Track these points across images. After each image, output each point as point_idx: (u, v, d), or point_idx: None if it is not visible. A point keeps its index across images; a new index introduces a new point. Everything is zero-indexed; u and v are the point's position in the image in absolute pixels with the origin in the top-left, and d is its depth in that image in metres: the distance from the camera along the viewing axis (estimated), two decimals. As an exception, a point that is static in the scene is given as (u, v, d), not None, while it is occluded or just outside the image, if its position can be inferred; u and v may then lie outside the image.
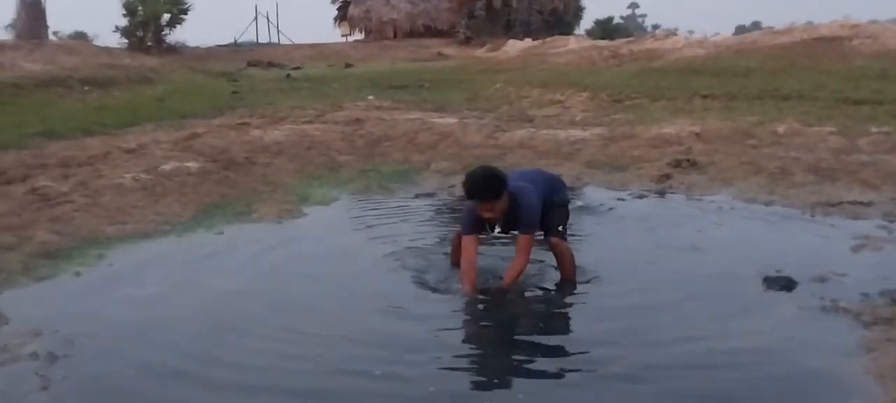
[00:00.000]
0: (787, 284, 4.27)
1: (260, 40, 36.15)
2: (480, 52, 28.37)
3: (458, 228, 4.66)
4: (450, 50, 30.95)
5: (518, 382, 3.27)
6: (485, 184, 4.20)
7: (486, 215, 4.23)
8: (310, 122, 12.21)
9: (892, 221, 5.76)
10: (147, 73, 19.28)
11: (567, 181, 7.65)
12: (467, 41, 31.57)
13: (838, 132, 9.48)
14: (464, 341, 3.77)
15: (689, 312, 3.99)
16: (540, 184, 4.55)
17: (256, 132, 10.95)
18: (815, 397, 3.00)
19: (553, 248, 4.49)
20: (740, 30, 71.44)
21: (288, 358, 3.49)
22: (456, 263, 4.65)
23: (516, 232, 4.38)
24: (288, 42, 36.16)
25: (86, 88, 15.55)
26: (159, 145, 9.56)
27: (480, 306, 4.16)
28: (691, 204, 6.66)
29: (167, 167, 7.91)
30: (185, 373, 3.40)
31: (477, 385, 3.27)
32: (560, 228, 4.51)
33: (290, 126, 11.65)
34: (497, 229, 4.41)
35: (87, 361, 3.47)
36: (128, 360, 3.52)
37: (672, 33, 26.32)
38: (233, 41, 34.52)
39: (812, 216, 6.05)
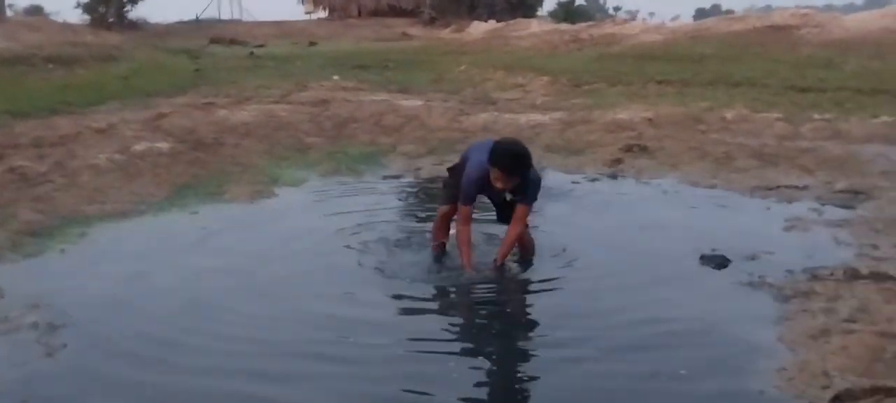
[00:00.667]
0: (720, 262, 4.72)
1: (222, 17, 36.03)
2: (445, 34, 28.64)
3: (440, 206, 4.92)
4: (414, 30, 31.17)
5: (471, 364, 3.57)
6: (525, 161, 4.40)
7: (500, 186, 4.39)
8: (276, 103, 12.42)
9: (823, 204, 6.24)
10: (110, 51, 19.26)
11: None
12: (432, 21, 31.83)
13: (784, 118, 10.00)
14: (421, 323, 4.05)
15: (628, 286, 4.41)
16: None
17: (223, 112, 11.13)
18: (734, 361, 3.41)
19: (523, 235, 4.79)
20: (700, 13, 72.57)
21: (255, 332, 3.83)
22: (437, 239, 4.91)
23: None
24: (251, 19, 36.08)
25: (49, 66, 15.54)
26: (128, 125, 9.74)
27: (440, 289, 4.49)
28: (639, 188, 7.10)
29: (139, 148, 8.15)
30: (172, 342, 3.73)
31: (431, 370, 3.47)
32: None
33: (256, 106, 11.85)
34: (507, 196, 4.57)
35: (83, 331, 3.78)
36: (120, 331, 3.84)
37: (632, 17, 26.89)
38: (195, 17, 34.31)
39: (750, 199, 6.52)
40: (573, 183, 7.34)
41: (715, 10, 71.36)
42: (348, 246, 5.20)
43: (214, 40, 27.37)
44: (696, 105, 11.16)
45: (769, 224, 5.69)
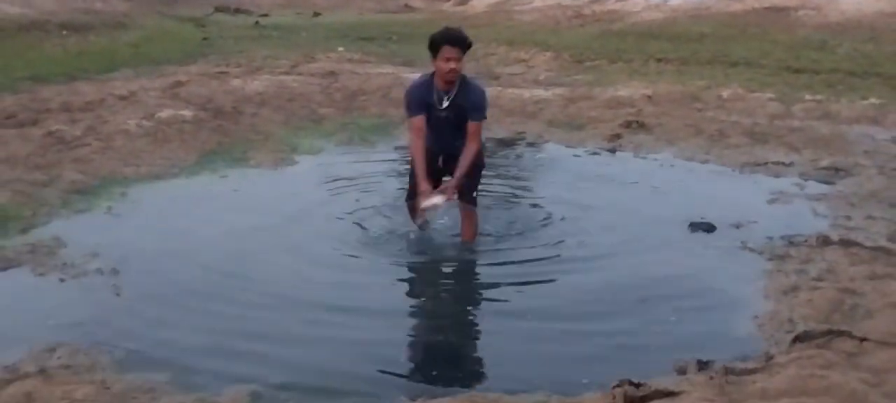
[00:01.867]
0: (708, 228, 5.23)
1: (226, -15, 36.03)
2: (448, 6, 28.91)
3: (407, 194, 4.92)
4: (417, 2, 31.41)
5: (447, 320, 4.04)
6: (464, 34, 4.46)
7: (452, 65, 4.36)
8: (286, 73, 12.82)
9: (806, 180, 6.73)
10: (119, 18, 19.64)
11: (531, 137, 8.68)
12: (435, -6, 32.00)
13: (777, 98, 10.44)
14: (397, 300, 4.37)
15: (625, 247, 4.93)
16: None
17: (237, 82, 11.54)
18: (716, 310, 3.94)
19: (471, 214, 4.89)
20: (702, -10, 72.64)
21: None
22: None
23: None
24: (255, -12, 36.12)
25: (64, 33, 15.95)
26: (148, 92, 10.18)
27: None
28: (637, 161, 7.58)
29: (164, 115, 8.60)
30: (216, 286, 4.28)
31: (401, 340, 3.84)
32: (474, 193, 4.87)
33: (268, 76, 12.25)
34: (445, 103, 4.50)
35: (142, 276, 4.31)
36: (172, 279, 4.37)
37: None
38: (200, -15, 34.39)
39: (740, 173, 7.01)
40: (574, 156, 7.83)
41: (716, -12, 71.45)
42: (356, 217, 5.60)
43: (219, 9, 27.63)
44: (694, 83, 11.58)
45: (755, 196, 6.19)
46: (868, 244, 4.80)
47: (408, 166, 4.93)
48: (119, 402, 2.90)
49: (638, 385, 2.84)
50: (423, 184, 4.47)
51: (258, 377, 3.18)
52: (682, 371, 3.10)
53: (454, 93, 4.51)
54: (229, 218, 5.50)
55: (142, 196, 6.01)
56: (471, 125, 4.56)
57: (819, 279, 4.22)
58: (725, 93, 10.78)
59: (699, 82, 11.68)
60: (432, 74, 4.55)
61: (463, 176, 4.57)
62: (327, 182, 6.67)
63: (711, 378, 2.96)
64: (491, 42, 17.82)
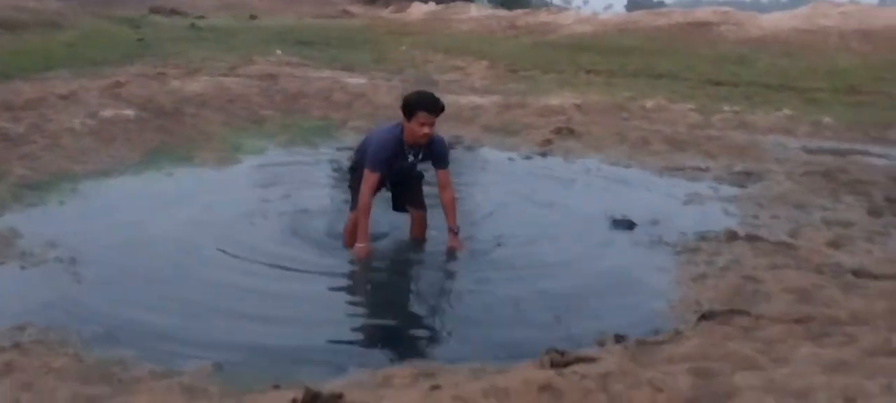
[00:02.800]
0: (628, 225, 5.70)
1: (161, -13, 35.65)
2: (385, 13, 29.30)
3: (351, 212, 5.00)
4: (355, 8, 31.69)
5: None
6: (441, 101, 4.68)
7: (426, 130, 4.55)
8: (225, 75, 12.94)
9: (719, 183, 7.29)
10: (53, 17, 19.42)
11: (468, 142, 9.08)
12: (372, 0, 32.33)
13: (697, 109, 11.11)
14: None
15: (552, 241, 5.35)
16: None
17: (176, 83, 11.64)
18: (635, 298, 4.37)
19: (422, 216, 5.13)
20: (632, 3, 74.58)
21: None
22: (350, 244, 4.94)
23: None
24: (190, -10, 35.83)
25: (-2, 31, 15.73)
26: (88, 92, 10.22)
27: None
28: (566, 165, 8.05)
29: (107, 114, 8.71)
30: (167, 273, 4.53)
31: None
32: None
33: (207, 78, 12.36)
34: (411, 158, 4.75)
35: (101, 265, 4.52)
36: (129, 266, 4.61)
37: (567, 5, 28.02)
38: (134, -14, 33.95)
39: (659, 177, 7.54)
40: (509, 159, 8.25)
41: (646, 1, 73.55)
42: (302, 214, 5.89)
43: (155, 10, 27.42)
44: (621, 94, 12.19)
45: (672, 197, 6.70)
46: (771, 239, 5.33)
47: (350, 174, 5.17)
48: (94, 372, 3.15)
49: (562, 353, 3.24)
50: (363, 240, 4.73)
51: (218, 353, 3.46)
52: (601, 344, 3.51)
53: (421, 149, 4.75)
54: (176, 213, 5.72)
55: (92, 191, 6.19)
56: (441, 174, 4.86)
57: (725, 268, 4.71)
58: (649, 104, 11.40)
59: (625, 93, 12.29)
60: (401, 129, 4.68)
61: (455, 223, 4.91)
62: (273, 180, 6.93)
63: (626, 348, 3.38)
64: (428, 49, 18.25)
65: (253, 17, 27.83)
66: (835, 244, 5.26)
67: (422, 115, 4.55)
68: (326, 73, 13.99)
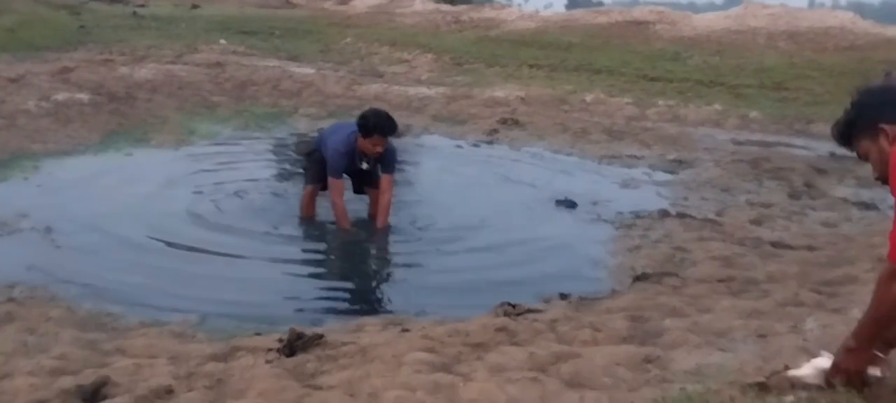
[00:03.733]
0: (570, 205, 6.14)
1: (100, -27, 35.01)
2: (329, 5, 29.26)
3: (305, 186, 5.45)
4: (299, -1, 31.60)
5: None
6: (392, 120, 5.10)
7: (379, 149, 5.01)
8: (172, 63, 13.03)
9: (653, 170, 7.80)
10: (-9, 2, 19.06)
11: (418, 130, 9.43)
12: (316, -8, 32.25)
13: (634, 103, 11.65)
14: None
15: (500, 218, 5.76)
16: None
17: (124, 69, 11.70)
18: (577, 265, 4.80)
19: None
20: (572, 3, 75.83)
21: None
22: (306, 213, 5.41)
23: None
24: (130, -22, 35.28)
25: (-67, 13, 15.43)
26: (37, 77, 10.24)
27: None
28: (511, 152, 8.48)
29: (60, 97, 8.81)
30: (137, 239, 4.83)
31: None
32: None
33: (155, 65, 12.44)
34: (365, 165, 5.18)
35: (76, 234, 4.76)
36: (103, 234, 4.85)
37: (508, 3, 28.55)
38: (71, -28, 33.29)
39: (598, 164, 8.02)
40: (456, 147, 8.64)
41: (585, 1, 74.94)
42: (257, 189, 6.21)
43: (94, -3, 26.92)
44: (562, 88, 12.67)
45: (610, 181, 7.19)
46: (699, 217, 5.83)
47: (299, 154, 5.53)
48: (89, 321, 3.41)
49: (514, 306, 3.63)
50: (347, 227, 5.18)
51: (199, 308, 3.76)
52: (547, 301, 3.91)
53: (373, 157, 5.18)
54: (137, 189, 5.97)
55: (54, 169, 6.37)
56: (384, 178, 5.25)
57: (657, 241, 5.17)
58: (589, 98, 11.91)
59: (567, 87, 12.78)
60: (355, 139, 5.09)
61: (384, 221, 5.26)
62: (232, 160, 7.19)
63: (569, 302, 3.79)
64: (373, 42, 18.48)
65: (195, 6, 27.54)
66: (757, 221, 5.79)
67: (377, 138, 5.00)
68: (273, 63, 14.15)
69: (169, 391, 2.53)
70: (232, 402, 2.45)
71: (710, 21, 19.44)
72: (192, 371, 2.74)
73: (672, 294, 3.87)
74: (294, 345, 2.98)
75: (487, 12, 23.20)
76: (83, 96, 9.00)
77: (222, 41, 17.38)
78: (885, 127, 2.15)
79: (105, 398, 2.51)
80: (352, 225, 5.22)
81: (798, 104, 12.05)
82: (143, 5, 26.10)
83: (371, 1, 28.34)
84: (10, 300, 3.54)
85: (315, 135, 5.82)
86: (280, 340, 3.05)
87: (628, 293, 3.97)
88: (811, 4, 50.80)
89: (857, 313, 3.35)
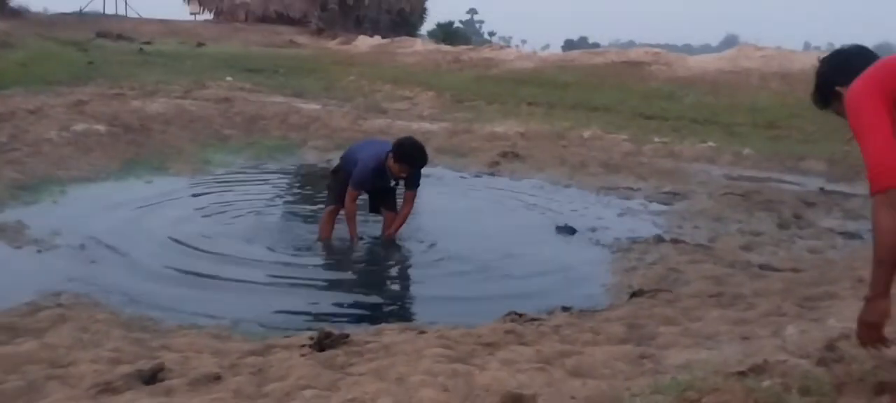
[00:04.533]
0: (570, 231, 6.50)
1: (106, 11, 35.78)
2: (332, 44, 29.89)
3: (327, 206, 5.83)
4: (302, 39, 32.21)
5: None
6: (425, 155, 5.59)
7: (405, 175, 5.51)
8: (182, 97, 13.43)
9: (649, 201, 8.16)
10: (3, 37, 19.53)
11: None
12: (319, 32, 32.96)
13: (630, 139, 12.04)
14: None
15: (505, 242, 6.10)
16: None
17: (136, 103, 12.09)
18: (578, 283, 5.13)
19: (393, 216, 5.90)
20: (568, 44, 77.19)
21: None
22: (324, 236, 5.75)
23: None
24: (135, 15, 36.02)
25: (-54, 47, 15.85)
26: (54, 108, 10.62)
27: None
28: (513, 182, 8.85)
29: (79, 128, 9.17)
30: (161, 258, 5.14)
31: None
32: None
33: (165, 99, 12.83)
34: (393, 183, 5.65)
35: (108, 250, 5.08)
36: (133, 251, 5.18)
37: (506, 43, 29.17)
38: (78, 10, 34.01)
39: (596, 195, 8.38)
40: (461, 177, 9.01)
41: (582, 42, 76.24)
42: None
43: (101, 34, 27.51)
44: (560, 124, 13.07)
45: (608, 211, 7.55)
46: (692, 242, 6.18)
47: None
48: (133, 324, 3.73)
49: (520, 315, 3.95)
50: (354, 234, 5.65)
51: (230, 315, 4.08)
52: (550, 313, 4.23)
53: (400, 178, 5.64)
54: (163, 212, 6.31)
55: (80, 193, 6.73)
56: (408, 193, 5.72)
57: (652, 263, 5.51)
58: (587, 134, 12.30)
59: (564, 123, 13.17)
60: (386, 157, 5.54)
61: (395, 232, 5.75)
62: (246, 186, 7.54)
63: (571, 313, 4.11)
64: (376, 80, 18.94)
65: (200, 44, 28.13)
66: (746, 247, 6.13)
67: (405, 165, 5.48)
68: (280, 99, 14.57)
69: (217, 377, 2.84)
70: (275, 384, 2.77)
71: (704, 62, 19.96)
72: (234, 363, 3.05)
73: (665, 306, 4.20)
74: (324, 343, 3.29)
75: (486, 52, 23.76)
76: (100, 127, 9.36)
77: (228, 78, 17.80)
78: (840, 89, 2.48)
79: (162, 380, 2.82)
80: (358, 237, 5.65)
81: (790, 142, 12.45)
82: (149, 42, 26.66)
83: (373, 41, 28.97)
84: (59, 305, 3.86)
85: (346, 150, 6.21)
86: (310, 339, 3.36)
87: (625, 305, 4.29)
88: (806, 47, 51.66)
89: (834, 321, 3.69)
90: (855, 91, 2.38)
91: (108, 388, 2.68)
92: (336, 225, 5.83)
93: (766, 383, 2.59)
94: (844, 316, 3.64)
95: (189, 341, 3.44)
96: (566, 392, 2.66)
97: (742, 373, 2.69)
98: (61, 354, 3.08)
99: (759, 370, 2.70)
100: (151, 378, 2.82)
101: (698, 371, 2.78)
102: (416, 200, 5.85)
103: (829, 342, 3.15)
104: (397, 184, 5.73)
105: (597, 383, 2.78)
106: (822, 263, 5.60)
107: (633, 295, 4.59)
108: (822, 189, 8.94)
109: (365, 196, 5.87)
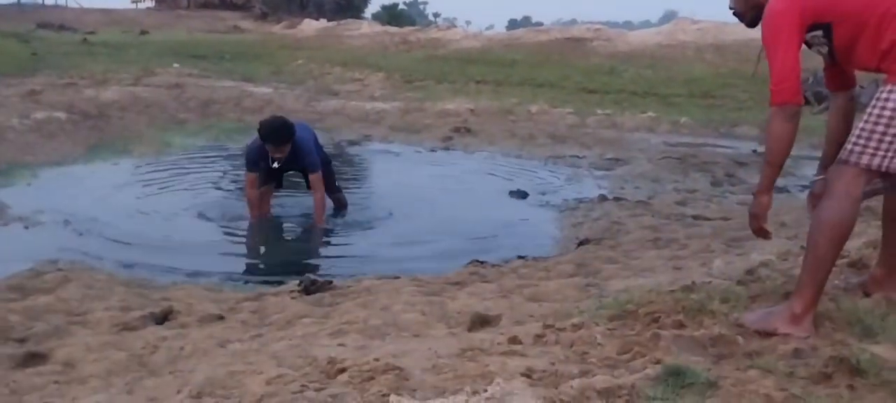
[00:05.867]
0: (522, 195, 6.99)
1: (46, 2, 35.11)
2: (277, 29, 29.87)
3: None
4: (246, 24, 32.08)
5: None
6: (278, 131, 5.37)
7: (276, 155, 5.40)
8: (133, 85, 13.52)
9: (594, 167, 8.70)
10: (-59, 30, 19.23)
11: (378, 139, 10.19)
12: (263, 17, 32.87)
13: (574, 112, 12.61)
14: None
15: (465, 208, 6.57)
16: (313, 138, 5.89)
17: (90, 91, 12.18)
18: (531, 237, 5.60)
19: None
20: (512, 23, 77.85)
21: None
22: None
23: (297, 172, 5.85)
24: (76, 5, 35.43)
25: None
26: (8, 99, 10.68)
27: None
28: (466, 155, 9.32)
29: (39, 116, 9.33)
30: (138, 230, 5.47)
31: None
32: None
33: (117, 87, 12.92)
34: (275, 164, 5.50)
35: (92, 224, 5.38)
36: (115, 225, 5.48)
37: (452, 24, 29.54)
38: (16, 0, 33.31)
39: (544, 163, 8.89)
40: (416, 152, 9.43)
41: (526, 21, 76.93)
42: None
43: (42, 25, 27.11)
44: (508, 100, 13.58)
45: (556, 177, 8.07)
46: (633, 200, 6.72)
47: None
48: (131, 283, 4.08)
49: (482, 263, 4.42)
50: (254, 216, 5.67)
51: (217, 272, 4.46)
52: (507, 261, 4.71)
53: (284, 158, 5.57)
54: (131, 190, 6.63)
55: (51, 176, 6.96)
56: (311, 177, 5.62)
57: (597, 218, 6.03)
58: (534, 109, 12.83)
59: (512, 100, 13.69)
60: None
61: (321, 217, 5.69)
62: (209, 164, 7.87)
63: (526, 260, 4.60)
64: (325, 63, 19.17)
65: (144, 32, 27.90)
66: (682, 202, 6.71)
67: (270, 146, 5.44)
68: (230, 83, 14.74)
69: (220, 317, 3.24)
70: (275, 316, 3.18)
71: (643, 37, 20.68)
72: (233, 307, 3.45)
73: (609, 250, 4.71)
74: (310, 289, 3.70)
75: (433, 33, 24.14)
76: (60, 115, 9.53)
77: (176, 65, 17.83)
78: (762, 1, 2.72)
79: (173, 319, 3.21)
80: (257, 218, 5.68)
81: (724, 110, 13.17)
82: (92, 32, 26.36)
83: (318, 24, 29.05)
84: (59, 270, 4.18)
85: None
86: (298, 285, 3.77)
87: (573, 252, 4.80)
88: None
89: (756, 256, 4.23)
90: (775, 9, 2.61)
91: (127, 327, 3.06)
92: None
93: (693, 296, 3.10)
94: (765, 251, 4.19)
95: (186, 293, 3.81)
96: (526, 312, 3.13)
97: (673, 291, 3.19)
98: (75, 305, 3.43)
99: (687, 289, 3.19)
100: (163, 318, 3.20)
101: (636, 292, 3.28)
102: (375, 174, 6.11)
103: (750, 268, 3.69)
104: (289, 164, 5.64)
105: (551, 305, 3.26)
106: (750, 213, 6.18)
107: (581, 244, 5.10)
108: (754, 151, 9.60)
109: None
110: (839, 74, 2.96)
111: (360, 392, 2.08)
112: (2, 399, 2.39)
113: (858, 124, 2.69)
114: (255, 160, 5.55)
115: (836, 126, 2.97)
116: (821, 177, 2.95)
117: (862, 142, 2.61)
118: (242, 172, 7.32)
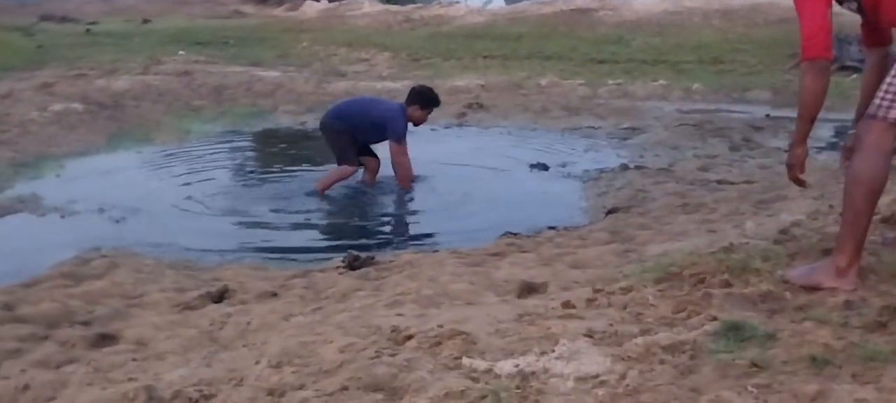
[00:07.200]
0: (543, 167, 7.07)
1: (45, -6, 34.97)
2: (278, 12, 29.74)
3: (346, 168, 6.21)
4: (247, 8, 31.93)
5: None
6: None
7: (424, 121, 6.49)
8: (143, 74, 13.55)
9: (610, 137, 8.77)
10: (-56, 25, 19.28)
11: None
12: (263, 0, 32.74)
13: (585, 84, 12.64)
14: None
15: (487, 182, 6.66)
16: None
17: (101, 82, 12.22)
18: (552, 207, 5.68)
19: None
20: (512, -2, 77.70)
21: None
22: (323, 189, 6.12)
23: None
24: (75, -4, 35.30)
25: None
26: (22, 92, 10.77)
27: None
28: (482, 131, 9.39)
29: (57, 108, 9.40)
30: (169, 212, 5.58)
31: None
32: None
33: (127, 77, 12.96)
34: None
35: (127, 212, 5.48)
36: (149, 210, 5.57)
37: (454, 1, 29.38)
38: (16, -6, 33.23)
39: (561, 135, 8.96)
40: (432, 129, 9.47)
41: (525, -5, 76.70)
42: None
43: (45, 18, 27.07)
44: (517, 74, 13.60)
45: (574, 148, 8.13)
46: (654, 167, 6.80)
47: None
48: (177, 267, 4.18)
49: (516, 235, 4.50)
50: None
51: (260, 256, 4.55)
52: (538, 232, 4.80)
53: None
54: (158, 175, 6.78)
55: (79, 166, 7.05)
56: (397, 147, 6.29)
57: (621, 187, 6.11)
58: (544, 81, 12.85)
59: (521, 73, 13.70)
60: (404, 110, 6.37)
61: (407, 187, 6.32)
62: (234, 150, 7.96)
63: (558, 230, 4.68)
64: (330, 44, 19.15)
65: (146, 20, 27.86)
66: (703, 168, 6.78)
67: (429, 110, 6.47)
68: (238, 68, 14.77)
69: (274, 294, 3.34)
70: (330, 290, 3.27)
71: (649, 4, 20.58)
72: (284, 284, 3.54)
73: (639, 217, 4.80)
74: (354, 264, 3.80)
75: (436, 10, 24.05)
76: (77, 105, 9.60)
77: (181, 52, 17.84)
78: None
79: (230, 298, 3.30)
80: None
81: (734, 75, 13.18)
82: (95, 23, 26.35)
83: (320, 6, 28.97)
84: (104, 256, 4.27)
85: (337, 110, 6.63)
86: (342, 262, 3.87)
87: (604, 220, 4.88)
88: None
89: (786, 216, 4.31)
90: None
91: (187, 307, 3.16)
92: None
93: (734, 256, 3.18)
94: (794, 211, 4.28)
95: (234, 273, 3.91)
96: (570, 279, 3.22)
97: (714, 252, 3.28)
98: (129, 289, 3.53)
99: (727, 250, 3.27)
100: (220, 297, 3.30)
101: (677, 255, 3.36)
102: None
103: (783, 228, 3.77)
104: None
105: (594, 271, 3.34)
106: (772, 175, 6.24)
107: (609, 212, 5.18)
108: (767, 115, 9.65)
109: None
110: (873, 32, 3.03)
111: (432, 356, 2.17)
112: (87, 376, 2.49)
113: (886, 79, 2.77)
114: (406, 130, 6.27)
115: (871, 82, 3.05)
116: (853, 131, 3.04)
117: (889, 96, 2.69)
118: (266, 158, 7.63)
